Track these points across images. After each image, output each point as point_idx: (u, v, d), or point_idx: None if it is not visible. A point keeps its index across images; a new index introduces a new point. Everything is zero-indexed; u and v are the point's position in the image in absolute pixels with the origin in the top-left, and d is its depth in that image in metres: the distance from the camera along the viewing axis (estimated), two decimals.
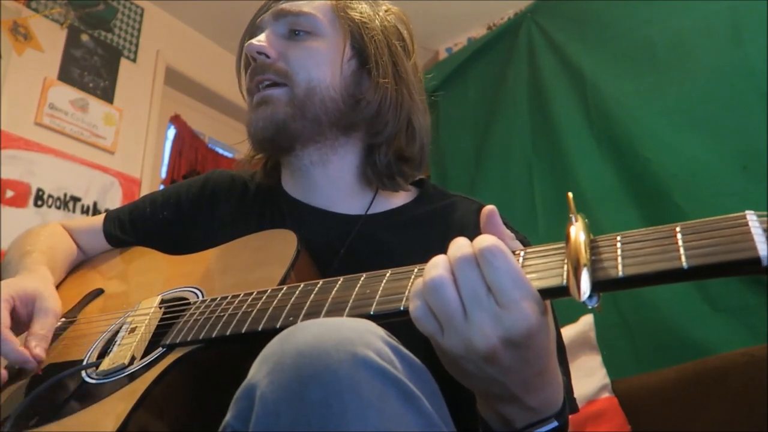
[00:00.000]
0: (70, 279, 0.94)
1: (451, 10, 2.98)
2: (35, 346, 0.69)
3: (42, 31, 2.49)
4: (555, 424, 0.52)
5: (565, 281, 0.46)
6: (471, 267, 0.47)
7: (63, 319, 0.81)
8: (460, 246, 0.49)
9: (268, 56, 0.82)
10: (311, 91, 0.80)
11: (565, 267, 0.46)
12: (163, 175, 3.08)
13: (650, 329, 1.82)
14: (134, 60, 2.86)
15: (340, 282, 0.58)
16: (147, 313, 0.71)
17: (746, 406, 1.42)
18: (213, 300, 0.66)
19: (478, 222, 0.55)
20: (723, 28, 1.90)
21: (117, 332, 0.71)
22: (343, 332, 0.43)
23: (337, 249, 0.80)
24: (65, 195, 2.45)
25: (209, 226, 0.89)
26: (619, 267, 0.44)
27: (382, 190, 0.86)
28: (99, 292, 0.87)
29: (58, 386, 0.66)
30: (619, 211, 1.98)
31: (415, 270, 0.54)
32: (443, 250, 0.51)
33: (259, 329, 0.57)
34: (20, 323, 0.74)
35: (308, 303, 0.57)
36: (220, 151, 3.41)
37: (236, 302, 0.62)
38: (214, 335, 0.59)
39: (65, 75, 2.55)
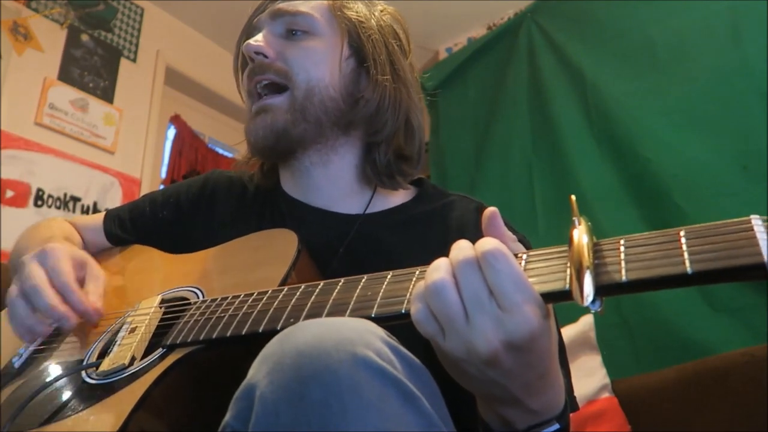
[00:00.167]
0: None
1: (451, 10, 2.98)
2: (95, 302, 0.73)
3: (42, 31, 2.50)
4: (556, 426, 0.52)
5: (567, 285, 0.45)
6: (473, 270, 0.47)
7: None
8: (462, 249, 0.49)
9: (266, 56, 0.82)
10: (310, 92, 0.80)
11: (568, 270, 0.46)
12: (163, 175, 3.08)
13: (650, 329, 1.82)
14: (134, 60, 2.87)
15: (341, 283, 0.58)
16: (147, 313, 0.71)
17: (746, 406, 1.42)
18: (213, 300, 0.65)
19: (477, 221, 0.54)
20: (723, 28, 1.90)
21: (117, 332, 0.71)
22: (343, 332, 0.43)
23: (337, 248, 0.80)
24: (65, 195, 2.45)
25: (209, 226, 0.89)
26: (623, 271, 0.43)
27: (381, 189, 0.86)
28: None
29: (58, 386, 0.66)
30: (619, 211, 1.98)
31: (417, 272, 0.54)
32: (442, 249, 0.51)
33: (260, 331, 0.57)
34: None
35: (309, 304, 0.56)
36: (220, 151, 3.41)
37: (237, 303, 0.62)
38: (214, 336, 0.59)
39: (65, 75, 2.55)
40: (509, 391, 0.49)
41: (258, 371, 0.43)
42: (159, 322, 0.70)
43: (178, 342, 0.61)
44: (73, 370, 0.67)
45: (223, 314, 0.61)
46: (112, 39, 2.78)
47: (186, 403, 0.60)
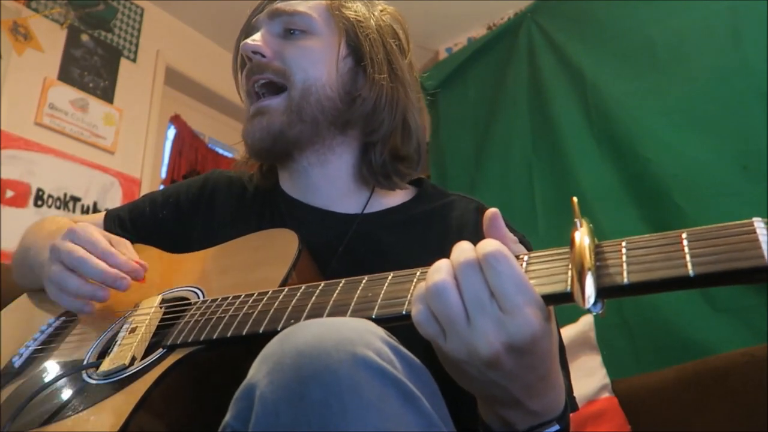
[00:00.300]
0: None
1: (451, 10, 2.98)
2: (136, 259, 0.75)
3: (42, 31, 2.50)
4: (557, 427, 0.52)
5: (569, 287, 0.45)
6: (474, 272, 0.46)
7: (63, 318, 0.81)
8: (463, 250, 0.48)
9: (263, 55, 0.82)
10: (307, 91, 0.80)
11: (569, 272, 0.46)
12: (163, 175, 3.08)
13: (650, 329, 1.82)
14: (134, 60, 2.87)
15: (341, 284, 0.57)
16: (147, 313, 0.71)
17: (746, 406, 1.42)
18: (213, 301, 0.65)
19: (477, 221, 0.55)
20: (723, 28, 1.90)
21: (117, 332, 0.71)
22: (343, 332, 0.43)
23: (336, 248, 0.80)
24: (65, 195, 2.45)
25: (208, 226, 0.89)
26: (625, 273, 0.43)
27: (379, 189, 0.86)
28: None
29: (59, 387, 0.66)
30: (619, 211, 1.98)
31: (418, 273, 0.54)
32: (441, 249, 0.51)
33: (260, 331, 0.57)
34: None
35: (309, 305, 0.56)
36: (220, 151, 3.41)
37: (237, 303, 0.62)
38: (215, 337, 0.59)
39: (65, 75, 2.55)
40: (510, 392, 0.49)
41: (258, 371, 0.43)
42: (159, 322, 0.70)
43: (178, 342, 0.61)
44: (73, 370, 0.67)
45: (223, 315, 0.61)
46: (112, 39, 2.78)
47: (186, 404, 0.60)
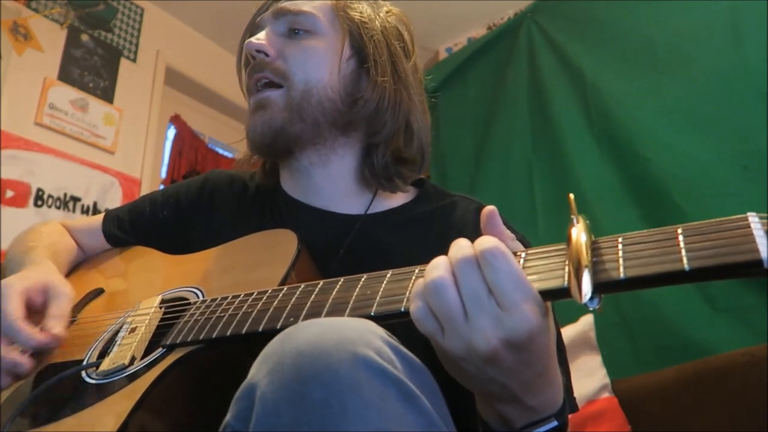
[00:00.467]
0: (70, 278, 0.93)
1: (451, 10, 2.98)
2: (53, 327, 0.70)
3: (42, 31, 2.50)
4: (555, 423, 0.52)
5: (566, 283, 0.45)
6: (472, 268, 0.47)
7: None
8: (461, 247, 0.49)
9: (267, 54, 0.82)
10: (308, 93, 0.80)
11: (566, 268, 0.46)
12: (163, 175, 3.08)
13: (650, 329, 1.82)
14: (134, 60, 2.87)
15: (340, 283, 0.58)
16: (147, 313, 0.71)
17: (746, 406, 1.42)
18: (213, 300, 0.66)
19: (478, 221, 0.55)
20: (723, 28, 1.90)
21: (117, 332, 0.71)
22: (344, 332, 0.43)
23: (337, 249, 0.80)
24: (65, 195, 2.45)
25: (209, 226, 0.89)
26: (621, 269, 0.44)
27: (381, 191, 0.86)
28: (99, 291, 0.87)
29: (58, 386, 0.66)
30: (619, 211, 1.98)
31: (416, 271, 0.54)
32: (443, 249, 0.51)
33: (260, 330, 0.57)
34: (36, 312, 0.74)
35: (309, 304, 0.57)
36: (220, 151, 3.41)
37: (236, 303, 0.62)
38: (214, 336, 0.59)
39: (65, 75, 2.55)
40: (508, 388, 0.49)
41: (259, 371, 0.43)
42: (159, 322, 0.70)
43: (178, 342, 0.61)
44: (73, 370, 0.67)
45: (222, 314, 0.61)
46: (112, 39, 2.78)
47: (186, 403, 0.60)
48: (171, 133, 3.18)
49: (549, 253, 0.49)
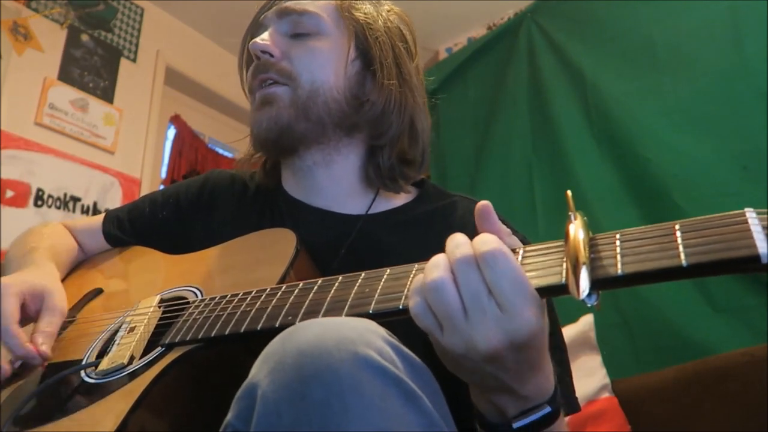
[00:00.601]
0: (69, 278, 0.94)
1: (451, 10, 2.98)
2: (42, 344, 0.70)
3: (42, 31, 2.50)
4: (548, 409, 0.53)
5: (564, 279, 0.45)
6: (472, 269, 0.47)
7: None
8: (458, 245, 0.49)
9: (272, 55, 0.82)
10: (314, 93, 0.80)
11: (564, 265, 0.46)
12: (163, 175, 3.08)
13: (650, 329, 1.82)
14: (134, 60, 2.87)
15: (339, 281, 0.58)
16: (146, 313, 0.71)
17: (746, 406, 1.42)
18: (212, 299, 0.65)
19: None
20: (723, 28, 1.90)
21: (116, 332, 0.71)
22: (345, 331, 0.43)
23: (337, 249, 0.80)
24: (65, 195, 2.45)
25: (208, 226, 0.89)
26: (619, 265, 0.44)
27: (384, 191, 0.86)
28: (98, 291, 0.87)
29: (58, 386, 0.66)
30: (619, 211, 1.98)
31: (414, 269, 0.54)
32: (443, 249, 0.51)
33: (258, 328, 0.57)
34: (28, 318, 0.75)
35: (307, 302, 0.57)
36: (220, 151, 3.41)
37: (235, 301, 0.62)
38: (213, 334, 0.59)
39: (65, 75, 2.55)
40: (504, 382, 0.50)
41: (260, 371, 0.43)
42: (158, 321, 0.70)
43: (176, 341, 0.61)
44: (72, 370, 0.67)
45: (221, 313, 0.61)
46: (112, 39, 2.78)
47: (185, 402, 0.60)
48: (171, 133, 3.18)
49: (547, 249, 0.49)
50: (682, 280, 0.43)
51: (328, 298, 0.56)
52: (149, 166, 2.82)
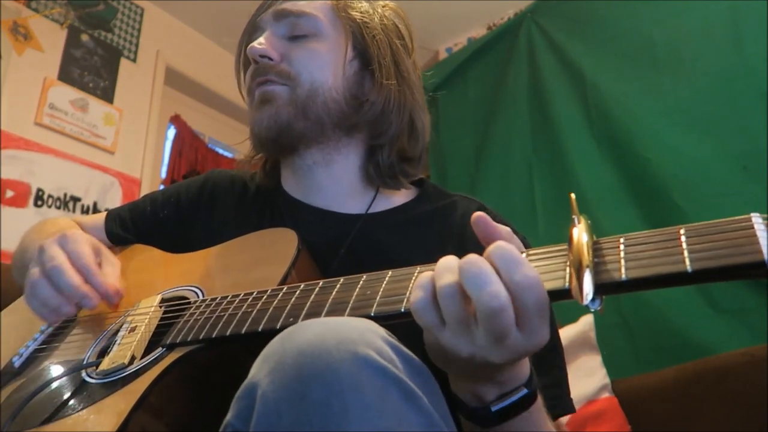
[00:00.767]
0: None
1: (451, 10, 2.98)
2: (114, 284, 0.74)
3: (42, 31, 2.49)
4: (525, 391, 0.53)
5: (567, 284, 0.45)
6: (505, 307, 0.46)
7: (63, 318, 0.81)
8: (481, 274, 0.45)
9: (270, 59, 0.82)
10: (313, 93, 0.80)
11: (568, 269, 0.46)
12: (163, 175, 3.08)
13: (650, 329, 1.82)
14: (134, 60, 2.87)
15: (340, 282, 0.58)
16: (147, 313, 0.71)
17: (746, 406, 1.42)
18: (213, 299, 0.65)
19: None
20: (723, 28, 1.90)
21: (117, 331, 0.71)
22: (344, 331, 0.43)
23: (337, 249, 0.80)
24: (65, 195, 2.45)
25: (209, 226, 0.89)
26: (623, 270, 0.43)
27: (384, 189, 0.86)
28: None
29: (58, 386, 0.66)
30: (619, 211, 1.98)
31: (416, 272, 0.54)
32: (443, 249, 0.51)
33: (259, 330, 0.57)
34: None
35: (308, 303, 0.56)
36: (220, 151, 3.41)
37: (236, 302, 0.62)
38: (214, 335, 0.59)
39: (65, 75, 2.55)
40: (492, 375, 0.51)
41: (259, 370, 0.43)
42: (159, 321, 0.70)
43: (177, 341, 0.61)
44: (73, 370, 0.67)
45: (222, 313, 0.61)
46: (112, 39, 2.78)
47: (186, 402, 0.60)
48: (171, 133, 3.17)
49: (550, 253, 0.49)
50: (687, 285, 0.42)
51: (330, 300, 0.55)
52: (149, 166, 2.82)
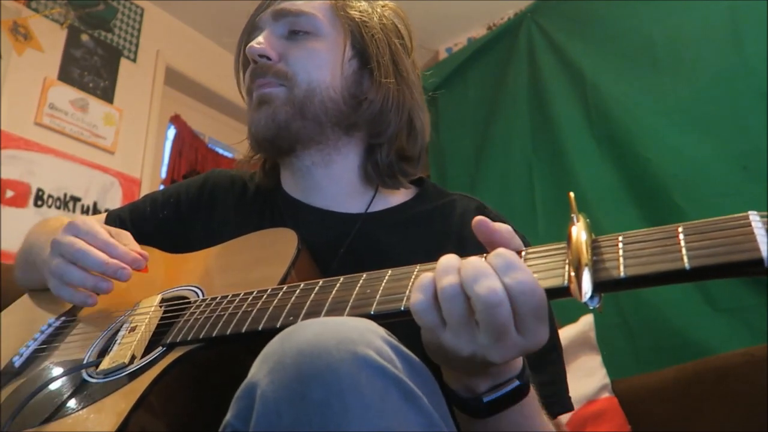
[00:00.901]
0: None
1: (451, 10, 2.98)
2: (136, 248, 0.75)
3: (42, 31, 2.49)
4: (517, 383, 0.54)
5: (566, 282, 0.45)
6: (504, 305, 0.47)
7: (63, 318, 0.81)
8: (481, 274, 0.47)
9: (269, 58, 0.82)
10: (311, 92, 0.80)
11: (567, 267, 0.46)
12: (163, 175, 3.08)
13: (650, 329, 1.82)
14: (134, 60, 2.87)
15: (340, 281, 0.58)
16: (147, 313, 0.71)
17: (746, 406, 1.42)
18: (213, 299, 0.65)
19: None
20: (723, 28, 1.90)
21: (117, 331, 0.71)
22: (344, 331, 0.43)
23: (337, 249, 0.80)
24: (65, 195, 2.45)
25: (209, 226, 0.89)
26: (621, 267, 0.44)
27: (383, 189, 0.86)
28: None
29: (58, 386, 0.66)
30: (619, 211, 1.98)
31: (415, 271, 0.54)
32: (443, 248, 0.51)
33: (259, 329, 0.57)
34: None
35: (308, 302, 0.56)
36: (220, 151, 3.41)
37: (236, 301, 0.62)
38: (214, 334, 0.59)
39: (65, 75, 2.55)
40: (482, 368, 0.51)
41: (259, 370, 0.43)
42: (159, 321, 0.70)
43: (178, 340, 0.61)
44: (73, 369, 0.67)
45: (222, 313, 0.61)
46: (112, 39, 2.78)
47: (186, 402, 0.60)
48: (171, 133, 3.17)
49: (549, 251, 0.49)
50: (685, 283, 0.42)
51: (330, 299, 0.56)
52: (149, 166, 2.82)
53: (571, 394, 0.76)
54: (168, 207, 0.93)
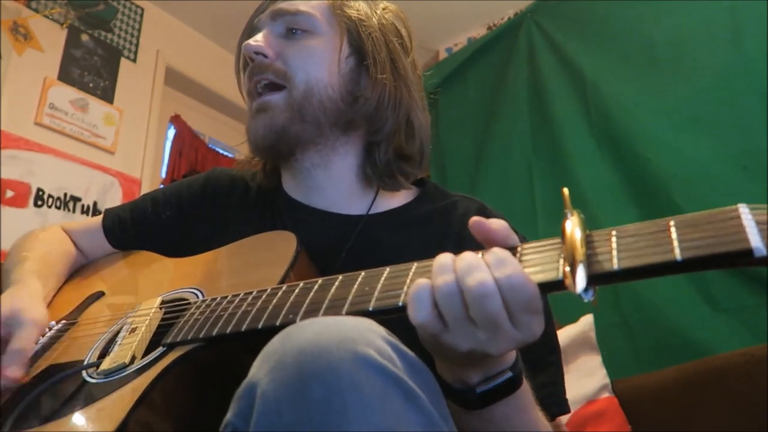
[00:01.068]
0: (71, 282, 0.94)
1: (451, 10, 2.98)
2: (6, 367, 0.69)
3: (42, 31, 2.50)
4: (510, 374, 0.54)
5: (560, 275, 0.46)
6: (495, 297, 0.47)
7: (63, 321, 0.81)
8: (475, 267, 0.48)
9: (266, 56, 0.82)
10: (309, 92, 0.80)
11: (561, 261, 0.47)
12: (163, 175, 3.08)
13: (650, 329, 1.82)
14: (134, 60, 2.87)
15: (339, 280, 0.58)
16: (147, 314, 0.71)
17: (746, 406, 1.42)
18: (213, 300, 0.66)
19: None
20: (723, 28, 1.90)
21: (118, 333, 0.71)
22: (345, 330, 0.43)
23: (338, 250, 0.80)
24: (65, 195, 2.45)
25: (210, 225, 0.89)
26: (614, 260, 0.44)
27: (383, 190, 0.86)
28: (100, 294, 0.87)
29: (59, 386, 0.66)
30: (618, 210, 1.98)
31: (413, 267, 0.54)
32: (444, 250, 0.51)
33: (259, 327, 0.57)
34: (3, 344, 0.73)
35: (307, 301, 0.57)
36: (220, 151, 3.41)
37: (236, 301, 0.63)
38: (214, 334, 0.59)
39: (65, 75, 2.55)
40: (478, 361, 0.51)
41: (259, 369, 0.43)
42: (159, 322, 0.70)
43: (178, 340, 0.61)
44: (73, 370, 0.67)
45: (222, 312, 0.62)
46: (112, 39, 2.78)
47: (187, 401, 0.60)
48: (171, 133, 3.17)
49: (544, 246, 0.50)
50: (678, 274, 0.43)
51: (329, 297, 0.56)
52: (149, 166, 2.82)
53: (571, 394, 0.76)
54: (170, 207, 0.93)
